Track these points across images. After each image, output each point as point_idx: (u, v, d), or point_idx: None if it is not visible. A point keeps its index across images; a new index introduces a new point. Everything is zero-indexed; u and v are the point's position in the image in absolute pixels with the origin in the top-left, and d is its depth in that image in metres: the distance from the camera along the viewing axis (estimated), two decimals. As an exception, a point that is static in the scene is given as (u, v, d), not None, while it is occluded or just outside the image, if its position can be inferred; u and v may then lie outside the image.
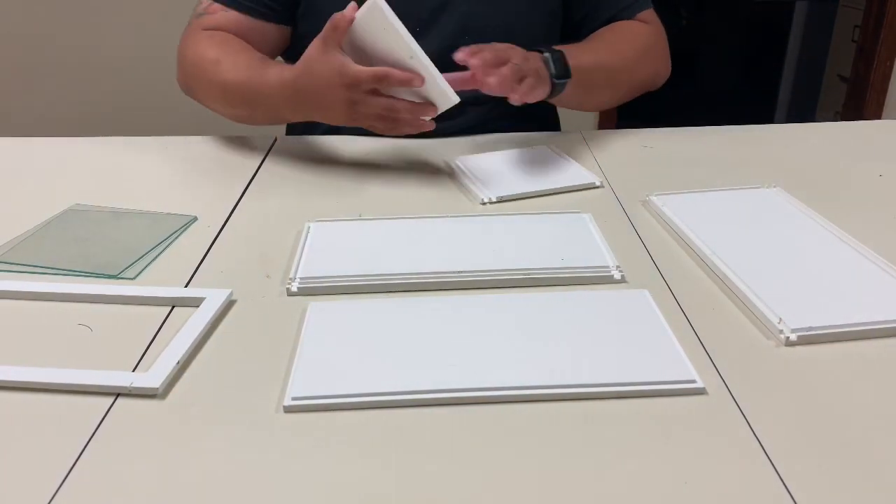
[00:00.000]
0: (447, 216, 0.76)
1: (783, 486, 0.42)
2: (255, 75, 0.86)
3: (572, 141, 0.99)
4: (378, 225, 0.73)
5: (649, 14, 1.04)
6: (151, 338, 0.57)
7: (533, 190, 0.82)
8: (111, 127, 2.25)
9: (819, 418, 0.47)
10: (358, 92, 0.77)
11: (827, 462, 0.44)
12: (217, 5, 0.96)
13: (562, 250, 0.67)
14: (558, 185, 0.83)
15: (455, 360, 0.52)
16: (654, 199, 0.78)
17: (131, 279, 0.65)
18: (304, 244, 0.69)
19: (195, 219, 0.76)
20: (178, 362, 0.52)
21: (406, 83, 0.75)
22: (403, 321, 0.58)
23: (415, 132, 0.81)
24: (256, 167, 0.91)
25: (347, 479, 0.43)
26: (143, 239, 0.72)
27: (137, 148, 0.97)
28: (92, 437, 0.46)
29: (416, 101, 0.79)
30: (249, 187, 0.85)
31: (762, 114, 3.46)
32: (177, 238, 0.73)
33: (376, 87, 0.77)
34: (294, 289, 0.62)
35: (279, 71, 0.85)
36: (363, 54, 0.79)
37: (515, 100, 0.80)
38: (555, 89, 0.86)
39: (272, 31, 0.97)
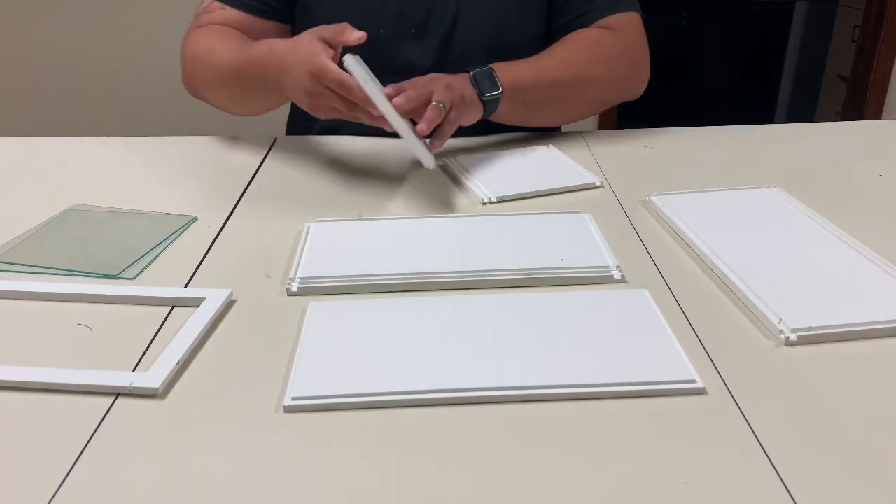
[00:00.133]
0: (447, 216, 0.76)
1: (783, 486, 0.42)
2: (247, 47, 0.88)
3: (572, 141, 0.99)
4: (378, 225, 0.73)
5: (620, 19, 0.97)
6: (151, 338, 0.57)
7: (533, 190, 0.82)
8: (111, 127, 2.25)
9: (819, 418, 0.47)
10: (318, 84, 0.76)
11: (827, 462, 0.44)
12: (216, 3, 0.96)
13: (562, 250, 0.67)
14: (558, 185, 0.83)
15: (455, 360, 0.52)
16: (654, 199, 0.78)
17: (131, 279, 0.65)
18: (304, 244, 0.69)
19: (195, 219, 0.76)
20: (178, 362, 0.52)
21: (365, 104, 0.74)
22: (403, 321, 0.58)
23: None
24: (256, 167, 0.91)
25: (347, 478, 0.43)
26: (143, 239, 0.72)
27: (137, 148, 0.97)
28: (92, 437, 0.46)
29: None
30: (249, 187, 0.85)
31: (762, 114, 3.46)
32: (177, 238, 0.73)
33: (337, 91, 0.76)
34: (294, 289, 0.62)
35: (270, 41, 0.86)
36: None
37: (445, 133, 0.80)
38: (487, 107, 0.85)
39: (271, 29, 0.98)
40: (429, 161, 0.77)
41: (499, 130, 1.01)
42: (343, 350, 0.54)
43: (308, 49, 0.77)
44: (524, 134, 1.00)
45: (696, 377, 0.50)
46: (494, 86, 0.85)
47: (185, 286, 0.64)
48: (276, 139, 1.00)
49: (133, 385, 0.50)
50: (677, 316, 0.59)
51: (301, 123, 1.07)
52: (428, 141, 0.82)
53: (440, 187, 0.84)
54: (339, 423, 0.47)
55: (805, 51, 3.29)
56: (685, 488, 0.42)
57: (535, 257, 0.66)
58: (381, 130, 0.99)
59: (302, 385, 0.50)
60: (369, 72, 0.78)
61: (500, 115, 0.88)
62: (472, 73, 0.85)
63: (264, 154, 0.95)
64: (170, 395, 0.50)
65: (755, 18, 3.52)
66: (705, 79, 3.72)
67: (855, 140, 0.99)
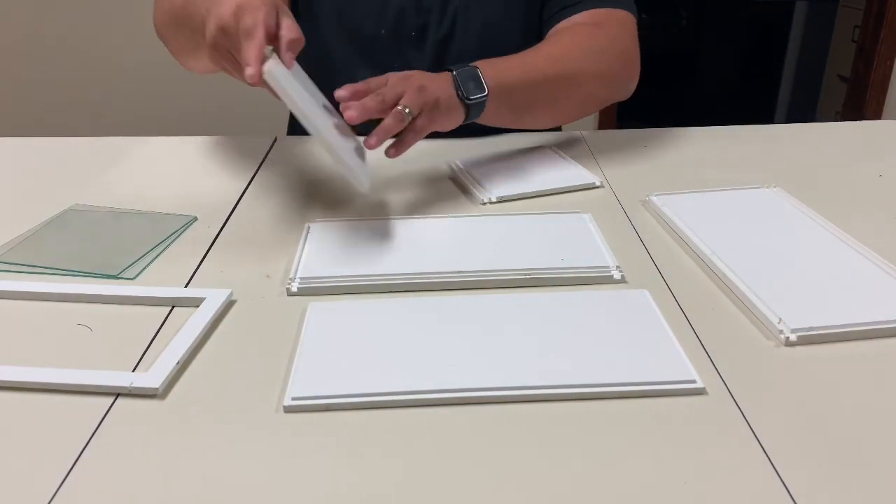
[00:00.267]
0: (447, 216, 0.76)
1: (783, 486, 0.42)
2: None
3: (572, 141, 0.99)
4: (378, 225, 0.73)
5: (609, 15, 0.92)
6: (151, 338, 0.57)
7: (533, 190, 0.82)
8: (111, 127, 2.25)
9: (819, 418, 0.47)
10: (234, 24, 0.63)
11: (827, 462, 0.44)
12: None
13: (562, 250, 0.67)
14: (558, 185, 0.83)
15: (455, 360, 0.52)
16: (654, 199, 0.78)
17: (131, 279, 0.65)
18: (304, 244, 0.69)
19: (195, 219, 0.76)
20: (178, 362, 0.52)
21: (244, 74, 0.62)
22: (403, 321, 0.58)
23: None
24: (256, 167, 0.91)
25: (347, 479, 0.43)
26: (142, 239, 0.72)
27: (137, 148, 0.97)
28: (92, 437, 0.46)
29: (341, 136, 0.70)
30: (249, 187, 0.85)
31: (762, 114, 3.46)
32: (177, 238, 0.73)
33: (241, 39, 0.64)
34: (294, 289, 0.62)
35: None
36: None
37: (407, 142, 0.74)
38: (470, 111, 0.78)
39: None
40: (363, 182, 0.68)
41: (499, 131, 1.01)
42: (343, 350, 0.54)
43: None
44: (524, 134, 1.00)
45: (696, 377, 0.50)
46: (479, 87, 0.78)
47: (185, 286, 0.64)
48: (276, 139, 1.00)
49: (133, 385, 0.50)
50: (677, 316, 0.59)
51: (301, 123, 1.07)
52: (365, 155, 0.74)
53: (440, 187, 0.84)
54: (339, 423, 0.47)
55: (805, 51, 3.29)
56: (685, 488, 0.42)
57: (535, 257, 0.66)
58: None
59: (302, 385, 0.50)
60: (304, 77, 0.70)
61: (486, 118, 0.81)
62: (454, 73, 0.78)
63: (264, 154, 0.95)
64: (170, 395, 0.50)
65: (755, 18, 3.52)
66: (705, 79, 3.72)
67: (855, 140, 0.99)
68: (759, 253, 0.66)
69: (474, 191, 0.82)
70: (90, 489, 0.42)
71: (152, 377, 0.51)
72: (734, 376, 0.51)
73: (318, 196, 0.83)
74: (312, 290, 0.63)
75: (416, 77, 0.75)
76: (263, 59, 0.62)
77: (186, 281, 0.65)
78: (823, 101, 3.06)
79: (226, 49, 0.65)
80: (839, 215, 0.73)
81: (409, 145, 0.75)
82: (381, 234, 0.72)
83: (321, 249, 0.69)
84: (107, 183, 0.86)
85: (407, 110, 0.71)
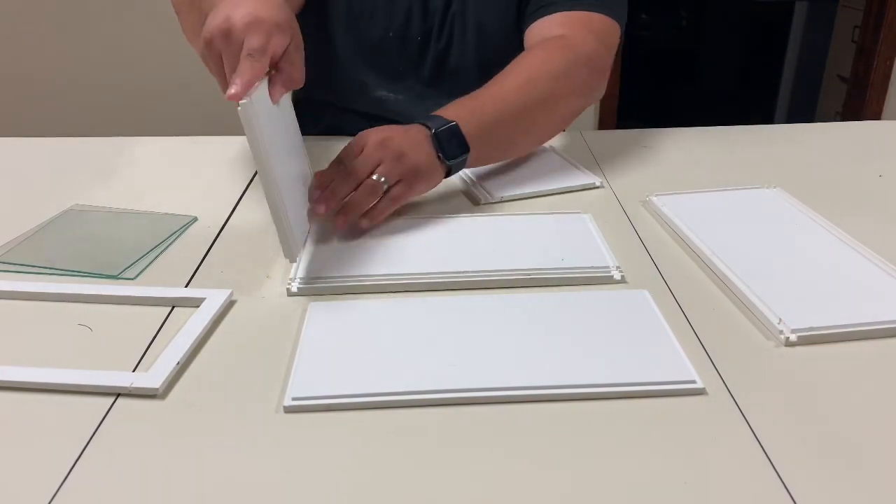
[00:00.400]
0: (447, 216, 0.75)
1: (783, 486, 0.42)
2: None
3: (572, 141, 0.99)
4: (378, 225, 0.73)
5: (578, 18, 0.88)
6: (151, 338, 0.57)
7: (533, 190, 0.82)
8: (111, 127, 2.25)
9: (819, 418, 0.47)
10: (233, 32, 0.59)
11: (827, 462, 0.44)
12: None
13: (562, 250, 0.67)
14: (558, 186, 0.83)
15: (455, 361, 0.52)
16: (654, 199, 0.78)
17: (131, 279, 0.65)
18: (305, 244, 0.69)
19: (195, 219, 0.76)
20: (178, 362, 0.52)
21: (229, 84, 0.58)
22: (403, 321, 0.58)
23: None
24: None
25: (347, 479, 0.43)
26: (143, 239, 0.72)
27: (137, 148, 0.97)
28: (92, 437, 0.46)
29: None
30: (249, 187, 0.85)
31: (762, 114, 3.46)
32: (177, 238, 0.73)
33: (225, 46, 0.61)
34: (294, 289, 0.62)
35: None
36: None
37: (384, 211, 0.71)
38: (451, 170, 0.76)
39: None
40: (293, 251, 0.62)
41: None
42: (343, 350, 0.54)
43: (271, 7, 0.61)
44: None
45: (696, 377, 0.50)
46: (461, 144, 0.74)
47: (186, 286, 0.64)
48: (276, 139, 1.00)
49: (133, 385, 0.50)
50: (677, 316, 0.59)
51: (304, 122, 1.07)
52: (307, 224, 0.68)
53: (440, 188, 0.84)
54: (339, 423, 0.47)
55: (805, 51, 3.29)
56: (685, 488, 0.42)
57: (535, 258, 0.66)
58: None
59: (302, 385, 0.50)
60: (286, 108, 0.67)
61: (470, 164, 0.78)
62: (433, 132, 0.73)
63: (264, 154, 0.95)
64: (170, 396, 0.50)
65: (755, 18, 3.53)
66: (705, 79, 3.73)
67: (855, 140, 0.99)
68: (759, 253, 0.66)
69: (474, 191, 0.82)
70: (90, 489, 0.42)
71: (152, 377, 0.51)
72: (734, 376, 0.51)
73: (318, 196, 0.83)
74: (312, 291, 0.63)
75: (395, 141, 0.71)
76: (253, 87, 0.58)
77: (187, 281, 0.65)
78: (823, 101, 3.06)
79: (219, 52, 0.61)
80: (839, 215, 0.73)
81: (384, 215, 0.71)
82: (382, 234, 0.72)
83: (321, 250, 0.68)
84: (107, 183, 0.86)
85: (383, 180, 0.69)
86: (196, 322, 0.57)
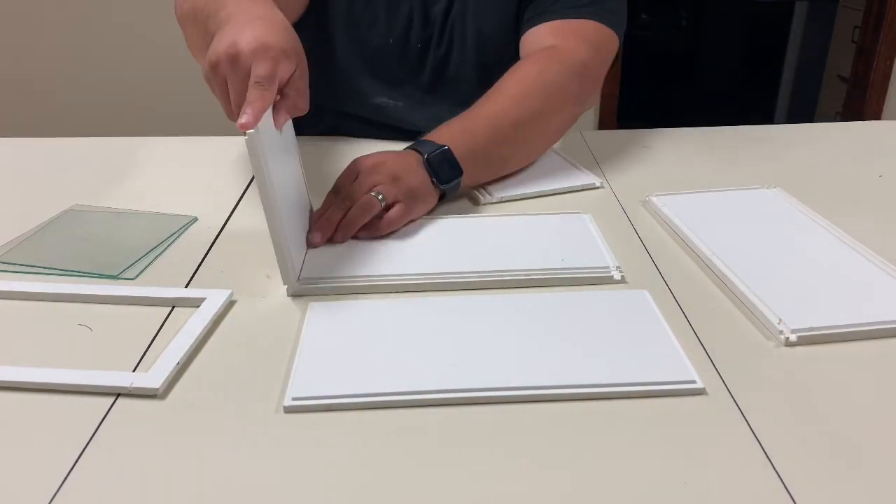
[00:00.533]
0: (447, 217, 0.75)
1: (783, 486, 0.42)
2: None
3: (572, 141, 0.99)
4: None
5: (571, 26, 0.87)
6: (152, 338, 0.57)
7: (533, 190, 0.82)
8: (111, 127, 2.25)
9: (819, 418, 0.47)
10: (241, 57, 0.59)
11: (826, 462, 0.44)
12: None
13: (562, 251, 0.67)
14: (558, 186, 0.83)
15: (455, 361, 0.52)
16: (654, 199, 0.78)
17: (131, 279, 0.65)
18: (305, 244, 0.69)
19: (195, 219, 0.76)
20: (179, 362, 0.52)
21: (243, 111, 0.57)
22: (403, 321, 0.58)
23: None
24: (256, 167, 0.91)
25: (347, 479, 0.43)
26: (143, 239, 0.72)
27: (138, 148, 0.97)
28: (92, 437, 0.46)
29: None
30: (249, 187, 0.85)
31: (762, 114, 3.46)
32: (177, 238, 0.73)
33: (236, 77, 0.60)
34: (294, 289, 0.62)
35: None
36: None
37: (380, 230, 0.70)
38: (446, 194, 0.76)
39: None
40: (292, 276, 0.62)
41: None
42: (343, 350, 0.54)
43: (278, 32, 0.61)
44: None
45: (696, 377, 0.50)
46: (453, 168, 0.74)
47: (186, 286, 0.64)
48: (276, 139, 1.00)
49: (133, 385, 0.50)
50: (677, 316, 0.59)
51: (303, 124, 1.07)
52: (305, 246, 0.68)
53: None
54: (339, 423, 0.47)
55: (805, 51, 3.29)
56: (685, 488, 0.42)
57: (535, 258, 0.66)
58: (382, 132, 0.99)
59: (302, 385, 0.50)
60: (288, 133, 0.67)
61: (467, 184, 0.78)
62: (425, 157, 0.73)
63: (264, 154, 0.95)
64: (170, 396, 0.50)
65: (755, 18, 3.53)
66: (705, 79, 3.73)
67: (855, 140, 0.99)
68: (759, 253, 0.66)
69: (474, 191, 0.82)
70: (90, 489, 0.42)
71: (152, 377, 0.51)
72: (734, 376, 0.51)
73: (319, 197, 0.82)
74: (312, 291, 0.63)
75: (388, 165, 0.72)
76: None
77: (187, 281, 0.65)
78: (823, 101, 3.06)
79: (224, 76, 0.60)
80: (839, 215, 0.73)
81: (381, 234, 0.70)
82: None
83: (321, 250, 0.68)
84: (107, 183, 0.86)
85: (380, 197, 0.69)
86: (196, 322, 0.57)
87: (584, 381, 0.50)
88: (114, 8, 2.15)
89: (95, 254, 0.69)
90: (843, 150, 0.95)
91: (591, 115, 2.51)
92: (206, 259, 0.69)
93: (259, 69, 0.58)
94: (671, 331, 0.55)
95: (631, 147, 0.97)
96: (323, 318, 0.58)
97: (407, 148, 0.76)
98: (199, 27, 0.72)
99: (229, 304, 0.61)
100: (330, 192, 0.73)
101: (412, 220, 0.73)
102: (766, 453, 0.44)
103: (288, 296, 0.62)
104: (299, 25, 0.92)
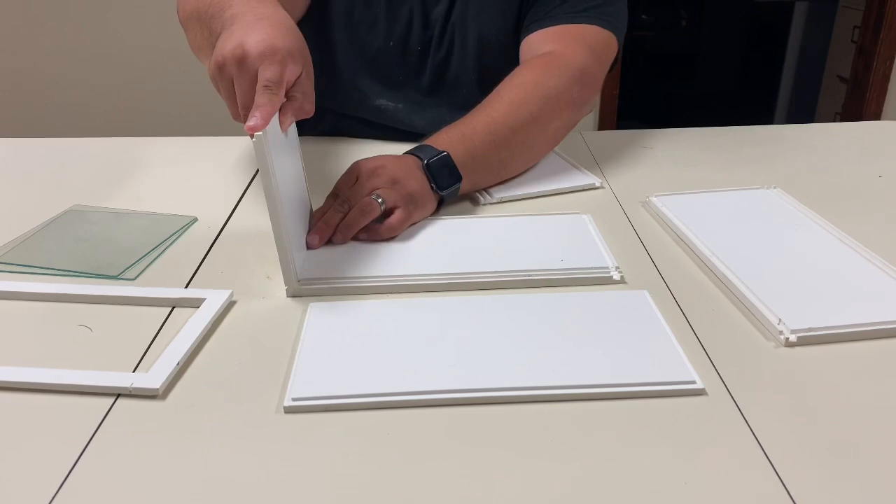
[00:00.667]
0: (447, 217, 0.76)
1: (782, 486, 0.42)
2: None
3: (572, 141, 0.99)
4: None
5: (572, 31, 0.87)
6: (152, 338, 0.57)
7: (533, 191, 0.82)
8: (112, 127, 2.25)
9: (818, 419, 0.47)
10: (247, 60, 0.59)
11: (826, 462, 0.44)
12: None
13: (561, 251, 0.67)
14: (558, 186, 0.83)
15: (455, 361, 0.52)
16: (653, 199, 0.78)
17: (131, 280, 0.65)
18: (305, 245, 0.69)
19: (195, 219, 0.76)
20: (179, 363, 0.52)
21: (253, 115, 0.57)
22: (403, 322, 0.58)
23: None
24: (256, 167, 0.91)
25: (347, 479, 0.43)
26: (143, 239, 0.72)
27: (137, 148, 0.97)
28: (92, 437, 0.46)
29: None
30: (249, 187, 0.85)
31: (762, 114, 3.46)
32: (177, 239, 0.73)
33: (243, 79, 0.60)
34: (294, 289, 0.62)
35: None
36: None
37: (381, 235, 0.70)
38: (444, 199, 0.76)
39: None
40: (294, 279, 0.62)
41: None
42: (343, 351, 0.54)
43: (285, 34, 0.61)
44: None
45: (696, 378, 0.50)
46: (453, 174, 0.75)
47: (186, 287, 0.64)
48: (276, 139, 1.00)
49: (133, 386, 0.50)
50: (677, 316, 0.59)
51: (303, 124, 1.07)
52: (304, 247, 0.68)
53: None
54: (339, 423, 0.48)
55: (805, 51, 3.30)
56: (685, 488, 0.42)
57: (534, 258, 0.66)
58: (382, 134, 1.00)
59: (302, 386, 0.50)
60: (292, 136, 0.67)
61: (464, 190, 0.78)
62: (425, 162, 0.74)
63: (264, 154, 0.95)
64: (170, 396, 0.50)
65: (755, 18, 3.53)
66: (705, 79, 3.73)
67: (855, 140, 0.99)
68: (759, 253, 0.66)
69: (474, 191, 0.82)
70: (90, 489, 0.42)
71: (153, 378, 0.51)
72: (734, 376, 0.51)
73: (319, 197, 0.82)
74: (312, 291, 0.63)
75: (388, 169, 0.72)
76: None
77: (187, 281, 0.65)
78: (823, 101, 3.06)
79: (231, 77, 0.60)
80: (839, 216, 0.73)
81: (381, 238, 0.70)
82: (381, 234, 0.72)
83: (322, 250, 0.68)
84: (107, 183, 0.86)
85: (380, 200, 0.69)
86: (196, 322, 0.57)
87: (584, 382, 0.50)
88: (114, 8, 2.15)
89: (95, 254, 0.69)
90: (842, 151, 0.95)
91: (590, 115, 2.51)
92: (206, 259, 0.69)
93: (267, 72, 0.58)
94: (671, 331, 0.55)
95: (631, 147, 0.97)
96: (323, 318, 0.58)
97: (406, 153, 0.77)
98: (204, 27, 0.71)
99: (229, 305, 0.61)
100: (329, 194, 0.73)
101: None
102: (765, 453, 0.44)
103: (288, 296, 0.62)
104: (300, 26, 0.92)
